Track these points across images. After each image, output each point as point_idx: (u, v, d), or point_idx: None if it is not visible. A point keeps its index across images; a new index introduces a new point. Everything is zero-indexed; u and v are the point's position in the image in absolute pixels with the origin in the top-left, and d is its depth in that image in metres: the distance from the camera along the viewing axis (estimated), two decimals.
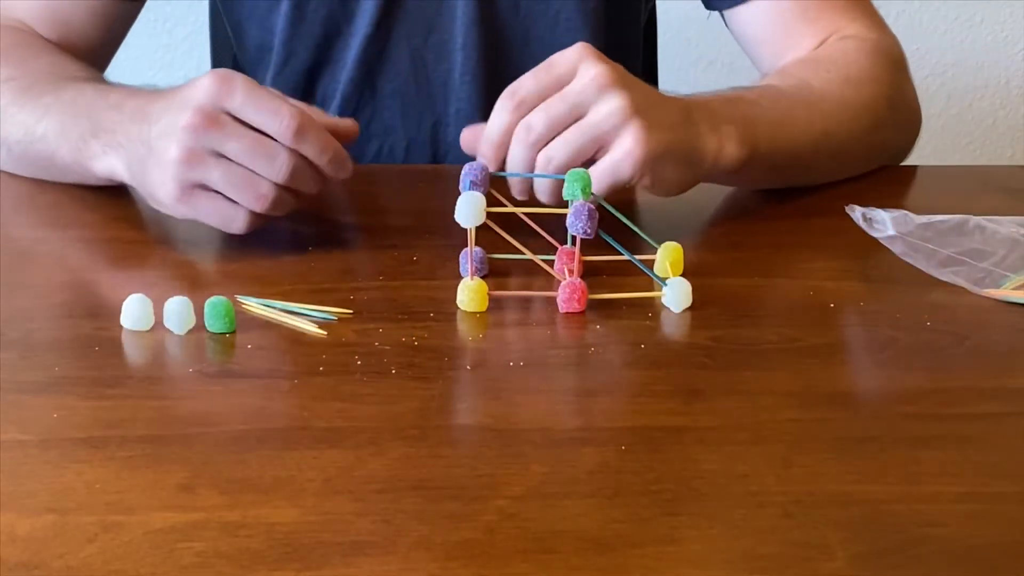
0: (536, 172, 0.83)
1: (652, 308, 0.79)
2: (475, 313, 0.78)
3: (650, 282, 0.81)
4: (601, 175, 0.82)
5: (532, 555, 0.55)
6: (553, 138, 0.83)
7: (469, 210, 0.76)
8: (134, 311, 0.75)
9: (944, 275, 0.84)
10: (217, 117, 0.81)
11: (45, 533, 0.56)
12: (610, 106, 0.82)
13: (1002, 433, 0.67)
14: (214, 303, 0.74)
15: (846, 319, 0.80)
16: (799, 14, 1.09)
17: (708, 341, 0.76)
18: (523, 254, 0.80)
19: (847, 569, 0.55)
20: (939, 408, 0.69)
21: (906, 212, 0.92)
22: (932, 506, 0.60)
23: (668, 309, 0.79)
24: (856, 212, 0.93)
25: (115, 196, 0.94)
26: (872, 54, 1.07)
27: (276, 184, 0.82)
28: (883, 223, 0.91)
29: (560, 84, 0.83)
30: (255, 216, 0.83)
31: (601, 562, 0.55)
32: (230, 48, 1.21)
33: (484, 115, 1.12)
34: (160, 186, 0.83)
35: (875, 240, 0.91)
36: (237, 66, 1.20)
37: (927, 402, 0.70)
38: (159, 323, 0.75)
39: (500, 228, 0.79)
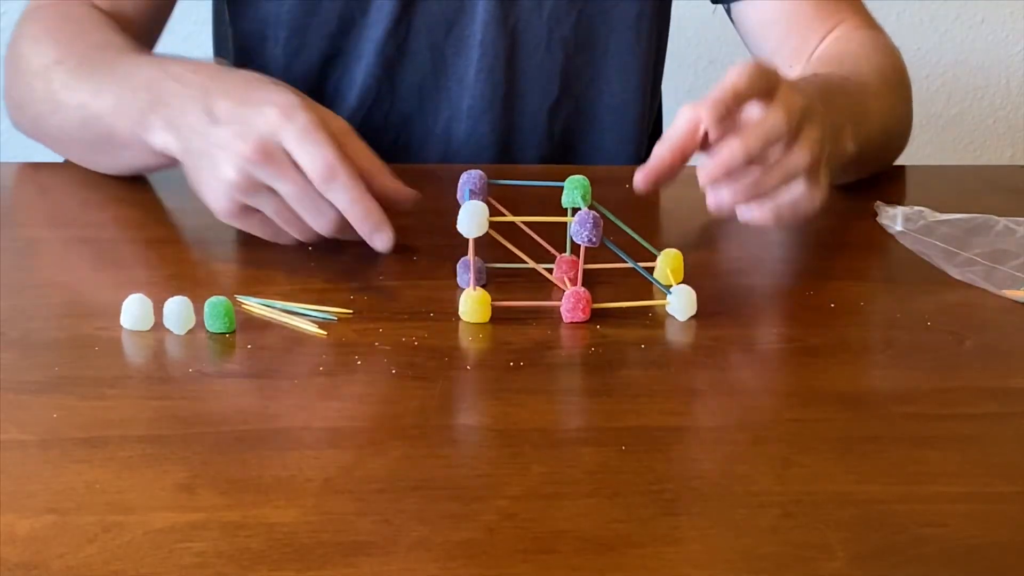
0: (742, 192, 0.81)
1: (653, 309, 0.79)
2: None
3: (652, 287, 0.81)
4: (797, 206, 0.82)
5: (532, 555, 0.55)
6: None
7: (472, 221, 0.75)
8: (134, 311, 0.75)
9: (963, 275, 0.84)
10: (275, 154, 0.79)
11: (45, 533, 0.56)
12: (805, 150, 0.82)
13: (1002, 433, 0.67)
14: (214, 303, 0.75)
15: (846, 319, 0.80)
16: (803, 9, 1.10)
17: (708, 341, 0.76)
18: (524, 263, 0.80)
19: (847, 569, 0.55)
20: (939, 408, 0.69)
21: (920, 209, 0.92)
22: (932, 506, 0.60)
23: (671, 316, 0.78)
24: (881, 209, 0.93)
25: (116, 196, 0.94)
26: (888, 52, 1.08)
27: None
28: (902, 219, 0.92)
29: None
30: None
31: (601, 562, 0.55)
32: (231, 46, 1.21)
33: (495, 113, 1.13)
34: (213, 197, 0.83)
35: (875, 240, 0.91)
36: (238, 57, 1.20)
37: (927, 402, 0.70)
38: (159, 323, 0.75)
39: (500, 237, 0.78)
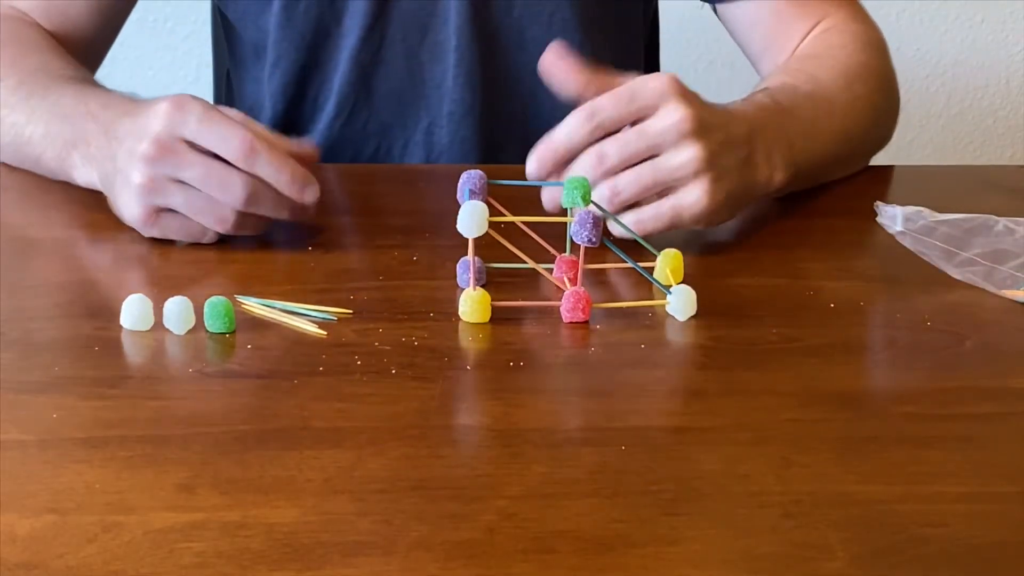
0: (600, 201, 0.82)
1: (653, 309, 0.79)
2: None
3: (652, 287, 0.81)
4: (661, 217, 0.83)
5: (532, 555, 0.55)
6: (622, 170, 0.83)
7: (472, 220, 0.75)
8: (134, 311, 0.75)
9: (963, 275, 0.84)
10: (172, 146, 0.82)
11: (45, 533, 0.56)
12: (687, 156, 0.83)
13: (1002, 433, 0.67)
14: (214, 303, 0.75)
15: (846, 319, 0.80)
16: (783, 8, 1.10)
17: (708, 341, 0.76)
18: (524, 263, 0.80)
19: (847, 569, 0.55)
20: (939, 408, 0.69)
21: (920, 209, 0.92)
22: (932, 506, 0.60)
23: (671, 316, 0.78)
24: (881, 209, 0.93)
25: None
26: (863, 45, 1.08)
27: (236, 209, 0.84)
28: (902, 219, 0.92)
29: (640, 115, 0.84)
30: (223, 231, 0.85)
31: (601, 562, 0.55)
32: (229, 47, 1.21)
33: (476, 116, 1.12)
34: (126, 207, 0.85)
35: (875, 240, 0.91)
36: (234, 65, 1.21)
37: (927, 402, 0.70)
38: (159, 323, 0.75)
39: (499, 237, 0.79)
